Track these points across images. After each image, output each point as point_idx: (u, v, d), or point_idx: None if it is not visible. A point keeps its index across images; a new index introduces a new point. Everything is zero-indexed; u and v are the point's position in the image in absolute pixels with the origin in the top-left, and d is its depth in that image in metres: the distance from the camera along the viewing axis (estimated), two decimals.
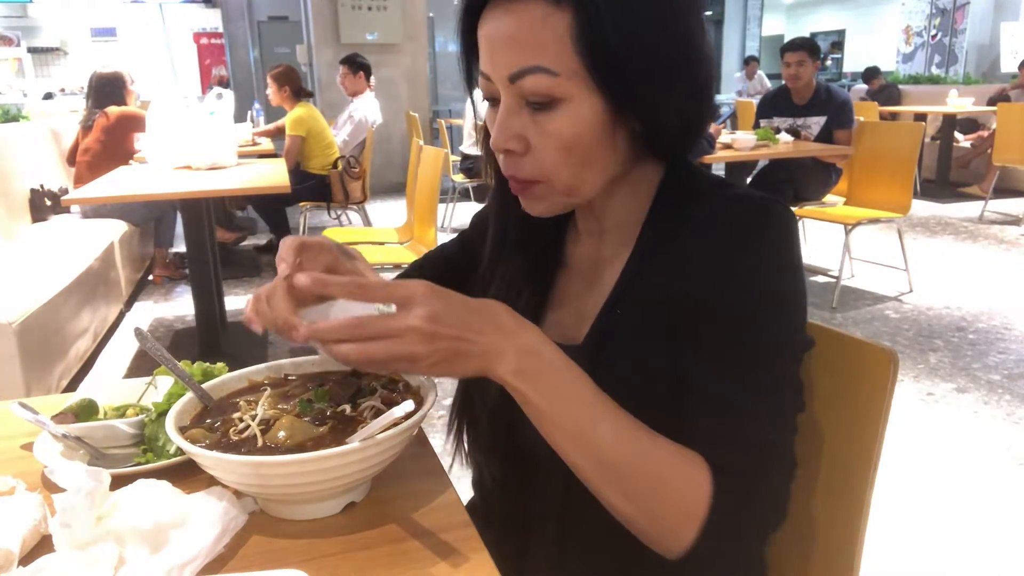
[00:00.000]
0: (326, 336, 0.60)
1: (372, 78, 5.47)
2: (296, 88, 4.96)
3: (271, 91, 4.98)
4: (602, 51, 0.64)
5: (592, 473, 0.63)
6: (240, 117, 5.12)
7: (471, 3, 0.70)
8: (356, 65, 5.33)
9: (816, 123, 4.32)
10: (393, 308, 0.61)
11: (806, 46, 4.27)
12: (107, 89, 4.35)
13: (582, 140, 0.67)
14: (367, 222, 5.10)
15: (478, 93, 0.74)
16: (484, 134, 0.78)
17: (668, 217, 0.74)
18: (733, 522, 0.63)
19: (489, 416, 0.79)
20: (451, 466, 0.85)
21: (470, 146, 5.87)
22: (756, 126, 4.52)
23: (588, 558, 0.77)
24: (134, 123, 4.12)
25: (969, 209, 6.19)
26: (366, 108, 5.27)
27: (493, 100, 0.71)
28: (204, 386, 0.77)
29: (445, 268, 0.96)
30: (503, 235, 0.84)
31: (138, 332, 0.82)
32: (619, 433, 0.63)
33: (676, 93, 0.68)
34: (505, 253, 0.84)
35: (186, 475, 0.74)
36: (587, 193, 0.72)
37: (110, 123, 4.20)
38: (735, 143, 3.95)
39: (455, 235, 1.00)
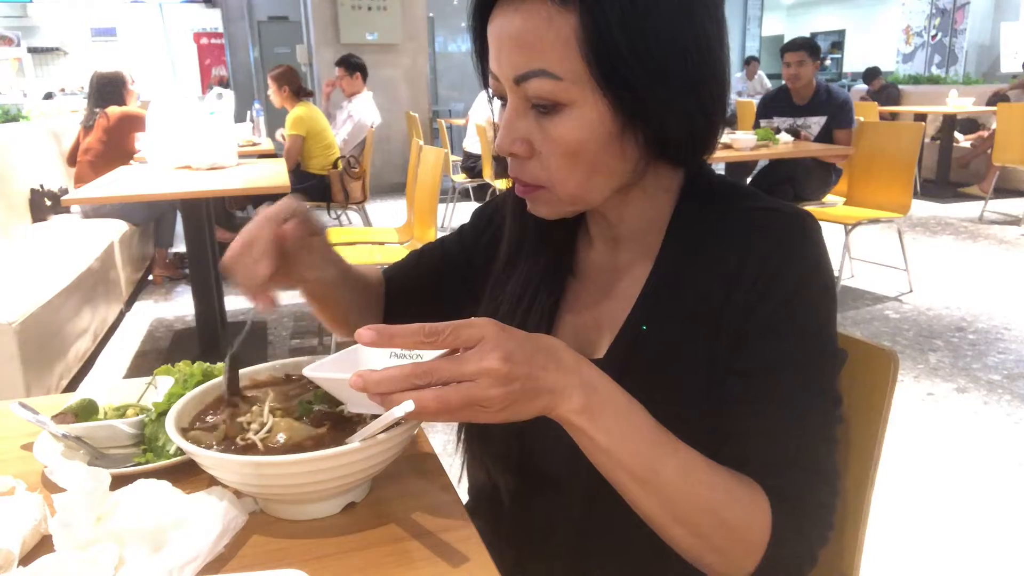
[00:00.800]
0: (388, 387, 0.54)
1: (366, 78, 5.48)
2: (296, 88, 4.97)
3: (272, 92, 4.99)
4: (607, 55, 0.61)
5: (656, 511, 0.61)
6: (240, 117, 5.12)
7: (481, 1, 0.67)
8: (353, 66, 5.33)
9: (816, 123, 4.32)
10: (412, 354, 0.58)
11: (806, 46, 4.27)
12: (107, 89, 4.36)
13: (587, 147, 0.65)
14: (367, 222, 5.10)
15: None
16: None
17: (692, 227, 0.72)
18: (791, 548, 0.63)
19: (505, 429, 0.75)
20: (460, 476, 0.84)
21: (474, 143, 5.86)
22: (756, 126, 4.52)
23: (608, 565, 0.75)
24: (135, 123, 4.12)
25: (969, 209, 6.19)
26: (365, 108, 5.27)
27: (503, 99, 0.69)
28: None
29: (443, 263, 0.95)
30: (521, 235, 0.81)
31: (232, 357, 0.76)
32: (683, 469, 0.61)
33: (688, 98, 0.65)
34: (523, 253, 0.82)
35: (186, 475, 0.74)
36: (594, 201, 0.70)
37: (111, 123, 4.20)
38: (735, 143, 3.95)
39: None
